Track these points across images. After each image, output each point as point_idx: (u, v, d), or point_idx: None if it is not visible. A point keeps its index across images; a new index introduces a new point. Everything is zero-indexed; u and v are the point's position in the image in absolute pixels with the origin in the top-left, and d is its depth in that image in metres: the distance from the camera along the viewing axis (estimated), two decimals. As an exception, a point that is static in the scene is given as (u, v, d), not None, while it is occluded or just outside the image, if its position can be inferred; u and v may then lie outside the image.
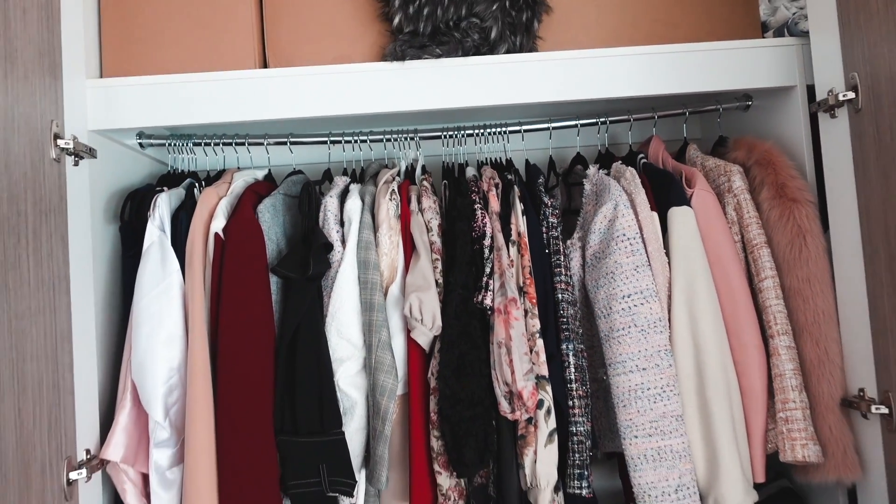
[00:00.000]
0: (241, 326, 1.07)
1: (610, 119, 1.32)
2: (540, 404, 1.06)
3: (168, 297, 1.09)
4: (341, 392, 1.10)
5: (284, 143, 1.31)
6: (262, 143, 1.31)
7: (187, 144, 1.31)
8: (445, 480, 1.09)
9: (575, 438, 1.08)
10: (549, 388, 1.07)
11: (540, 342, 1.08)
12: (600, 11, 1.26)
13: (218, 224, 1.11)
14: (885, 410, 0.99)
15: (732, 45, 1.21)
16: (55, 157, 0.99)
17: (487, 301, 1.09)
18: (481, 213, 1.15)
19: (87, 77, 1.15)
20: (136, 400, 1.07)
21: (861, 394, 1.04)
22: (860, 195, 1.02)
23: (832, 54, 1.06)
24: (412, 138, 1.32)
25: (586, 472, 1.08)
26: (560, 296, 1.13)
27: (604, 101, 1.25)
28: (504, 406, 1.05)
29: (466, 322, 1.09)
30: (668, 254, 1.13)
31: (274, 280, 1.12)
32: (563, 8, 1.26)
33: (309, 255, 1.10)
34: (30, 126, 0.92)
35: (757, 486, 1.08)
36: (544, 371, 1.07)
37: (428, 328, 1.09)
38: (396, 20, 1.19)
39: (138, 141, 1.31)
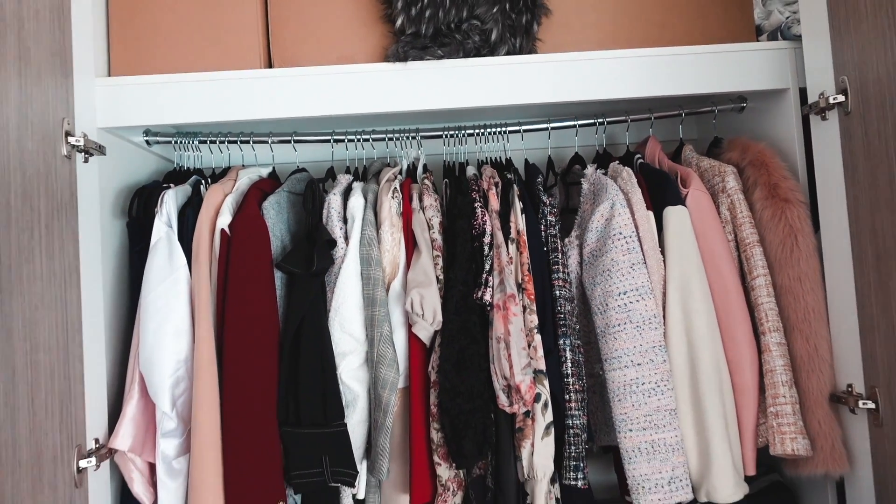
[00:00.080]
0: (246, 320, 1.10)
1: (608, 120, 1.34)
2: (537, 398, 1.08)
3: (175, 292, 1.11)
4: (344, 385, 1.13)
5: (288, 142, 1.33)
6: (266, 142, 1.33)
7: (193, 142, 1.33)
8: (445, 472, 1.12)
9: (571, 431, 1.11)
10: (546, 383, 1.10)
11: (538, 337, 1.11)
12: (598, 14, 1.29)
13: (224, 220, 1.14)
14: (871, 406, 1.02)
15: (727, 48, 1.23)
16: (66, 154, 1.01)
17: (487, 297, 1.12)
18: (481, 211, 1.18)
19: (97, 76, 1.18)
20: (143, 391, 1.10)
21: (849, 389, 1.07)
22: (849, 196, 1.05)
23: (823, 58, 1.09)
24: (414, 137, 1.34)
25: (582, 465, 1.10)
26: (558, 292, 1.16)
27: (601, 102, 1.27)
28: (502, 399, 1.08)
29: (466, 317, 1.11)
30: (663, 252, 1.15)
31: (278, 275, 1.15)
32: (562, 11, 1.29)
33: (313, 252, 1.12)
34: (42, 124, 0.95)
35: (748, 480, 1.11)
36: (542, 366, 1.10)
37: (429, 323, 1.11)
38: (399, 22, 1.22)
39: (145, 138, 1.33)
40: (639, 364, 1.09)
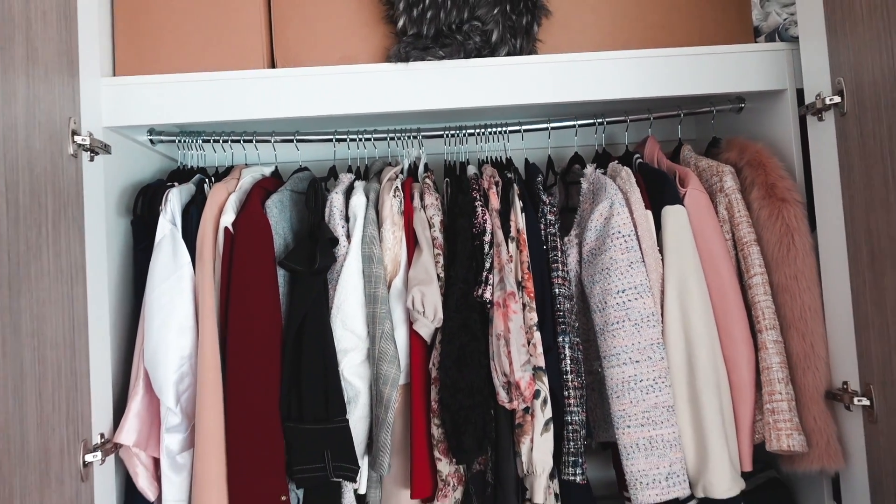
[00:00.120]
0: (249, 317, 1.11)
1: (607, 120, 1.35)
2: (536, 394, 1.10)
3: (179, 289, 1.12)
4: (345, 381, 1.14)
5: (291, 141, 1.35)
6: (269, 141, 1.34)
7: (196, 141, 1.34)
8: (445, 467, 1.13)
9: (570, 427, 1.12)
10: (545, 379, 1.11)
11: (537, 335, 1.12)
12: (598, 16, 1.30)
13: (227, 218, 1.15)
14: (866, 402, 1.03)
15: (725, 49, 1.24)
16: (73, 152, 1.03)
17: (487, 295, 1.13)
18: (482, 210, 1.19)
19: (102, 76, 1.19)
20: (148, 387, 1.11)
21: (844, 386, 1.08)
22: (845, 196, 1.06)
23: (820, 59, 1.10)
24: (415, 137, 1.35)
25: (580, 460, 1.12)
26: (557, 290, 1.17)
27: (601, 103, 1.29)
28: (502, 396, 1.09)
29: (467, 315, 1.13)
30: (661, 251, 1.17)
31: (281, 273, 1.16)
32: (562, 12, 1.30)
33: (315, 249, 1.13)
34: (50, 123, 0.96)
35: (745, 475, 1.12)
36: (541, 362, 1.11)
37: (430, 320, 1.12)
38: (401, 23, 1.23)
39: (149, 138, 1.35)
40: (637, 361, 1.10)
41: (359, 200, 1.21)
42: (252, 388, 1.10)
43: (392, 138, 1.35)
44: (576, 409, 1.13)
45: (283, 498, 1.09)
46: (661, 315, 1.14)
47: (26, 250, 0.88)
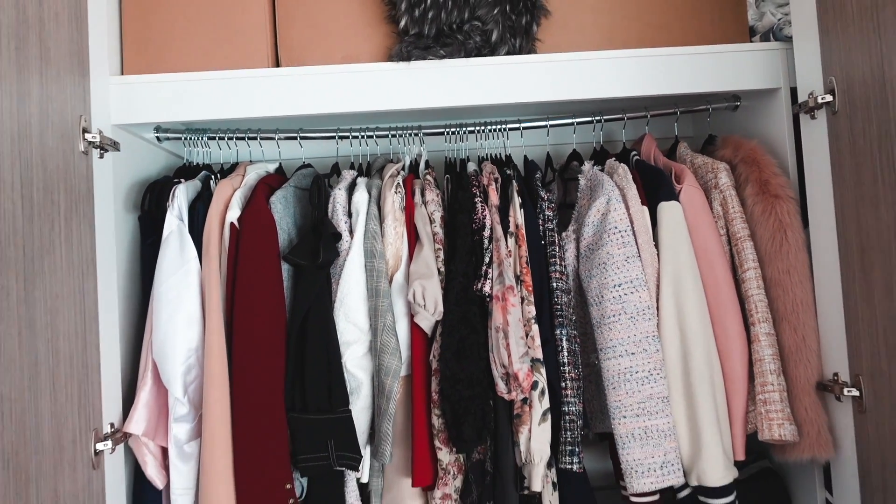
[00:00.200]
0: (254, 310, 1.14)
1: (605, 118, 1.37)
2: (534, 385, 1.12)
3: (186, 283, 1.15)
4: (348, 373, 1.17)
5: (295, 138, 1.37)
6: (273, 138, 1.36)
7: (202, 138, 1.37)
8: (445, 456, 1.16)
9: (567, 418, 1.15)
10: (543, 371, 1.13)
11: (535, 327, 1.15)
12: (596, 16, 1.32)
13: (233, 214, 1.18)
14: (856, 393, 1.06)
15: (721, 48, 1.26)
16: (83, 149, 1.05)
17: (486, 289, 1.16)
18: (481, 206, 1.22)
19: (111, 75, 1.21)
20: (156, 378, 1.14)
21: (835, 378, 1.11)
22: (836, 193, 1.08)
23: (813, 59, 1.12)
24: (416, 134, 1.38)
25: (577, 450, 1.14)
26: (555, 284, 1.20)
27: (599, 101, 1.31)
28: (501, 387, 1.12)
29: (466, 308, 1.15)
30: (657, 246, 1.19)
31: (285, 267, 1.19)
32: (560, 12, 1.32)
33: (319, 244, 1.16)
34: (62, 121, 0.99)
35: (738, 465, 1.15)
36: (539, 354, 1.14)
37: (430, 313, 1.15)
38: (402, 22, 1.25)
39: (156, 135, 1.37)
40: (633, 353, 1.13)
41: (361, 196, 1.23)
42: (257, 379, 1.12)
43: (394, 136, 1.38)
44: (573, 399, 1.16)
45: (288, 486, 1.12)
46: (656, 308, 1.16)
47: (40, 245, 0.90)
